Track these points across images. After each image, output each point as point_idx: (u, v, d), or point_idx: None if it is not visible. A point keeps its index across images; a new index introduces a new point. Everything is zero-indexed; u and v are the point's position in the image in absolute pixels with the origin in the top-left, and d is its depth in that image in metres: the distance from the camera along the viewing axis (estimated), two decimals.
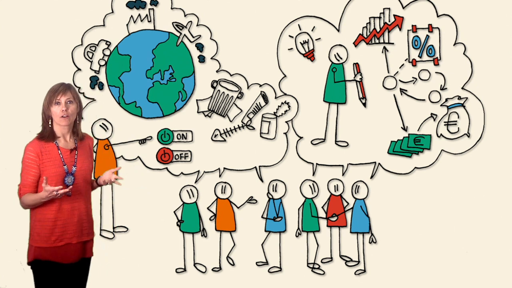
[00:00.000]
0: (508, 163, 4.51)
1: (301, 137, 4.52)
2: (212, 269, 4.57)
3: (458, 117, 4.48)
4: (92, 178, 3.45)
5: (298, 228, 4.55)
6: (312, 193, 4.54)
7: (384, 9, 4.47)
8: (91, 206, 3.42)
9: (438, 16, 4.46)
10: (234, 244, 4.56)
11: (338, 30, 4.49)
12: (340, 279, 4.54)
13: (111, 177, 3.35)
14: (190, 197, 4.53)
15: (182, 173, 4.52)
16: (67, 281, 3.28)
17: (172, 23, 4.48)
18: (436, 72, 4.47)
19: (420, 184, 4.50)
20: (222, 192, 4.54)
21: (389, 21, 4.47)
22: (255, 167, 4.53)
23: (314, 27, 4.49)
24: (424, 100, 4.47)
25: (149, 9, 4.48)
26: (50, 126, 3.25)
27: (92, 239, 3.42)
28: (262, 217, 4.55)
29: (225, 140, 4.52)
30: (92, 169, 3.41)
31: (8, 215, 4.45)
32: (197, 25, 4.49)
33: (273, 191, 4.54)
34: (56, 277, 3.23)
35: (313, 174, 4.54)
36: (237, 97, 4.50)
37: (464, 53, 4.46)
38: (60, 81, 3.33)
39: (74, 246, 3.27)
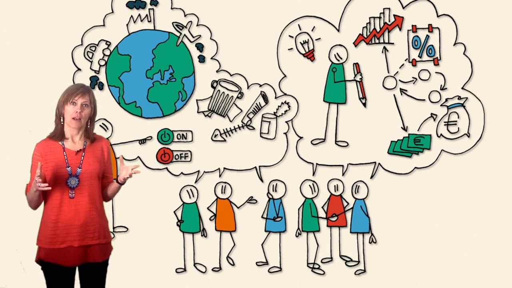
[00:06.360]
0: (508, 163, 4.51)
1: (301, 137, 4.52)
2: (212, 269, 4.56)
3: (458, 117, 4.48)
4: (113, 179, 3.40)
5: (298, 228, 4.55)
6: (312, 193, 4.54)
7: (384, 9, 4.47)
8: (101, 209, 3.31)
9: (438, 16, 4.46)
10: (234, 244, 4.56)
11: (338, 30, 4.49)
12: (340, 279, 4.54)
13: (128, 172, 3.26)
14: (190, 197, 4.53)
15: (182, 173, 4.52)
16: (84, 284, 3.28)
17: (172, 23, 4.48)
18: (436, 72, 4.47)
19: (420, 184, 4.50)
20: (222, 192, 4.54)
21: (389, 21, 4.47)
22: (255, 167, 4.53)
23: (314, 27, 4.49)
24: (424, 100, 4.47)
25: (149, 9, 4.48)
26: (61, 124, 3.19)
27: (104, 243, 3.29)
28: (262, 217, 4.55)
29: (225, 140, 4.52)
30: (100, 171, 3.28)
31: (8, 215, 4.45)
32: (197, 25, 4.49)
33: (273, 191, 4.54)
34: (60, 278, 3.18)
35: (313, 174, 4.54)
36: (237, 97, 4.50)
37: (464, 53, 4.46)
38: (81, 82, 3.27)
39: (76, 250, 3.18)
